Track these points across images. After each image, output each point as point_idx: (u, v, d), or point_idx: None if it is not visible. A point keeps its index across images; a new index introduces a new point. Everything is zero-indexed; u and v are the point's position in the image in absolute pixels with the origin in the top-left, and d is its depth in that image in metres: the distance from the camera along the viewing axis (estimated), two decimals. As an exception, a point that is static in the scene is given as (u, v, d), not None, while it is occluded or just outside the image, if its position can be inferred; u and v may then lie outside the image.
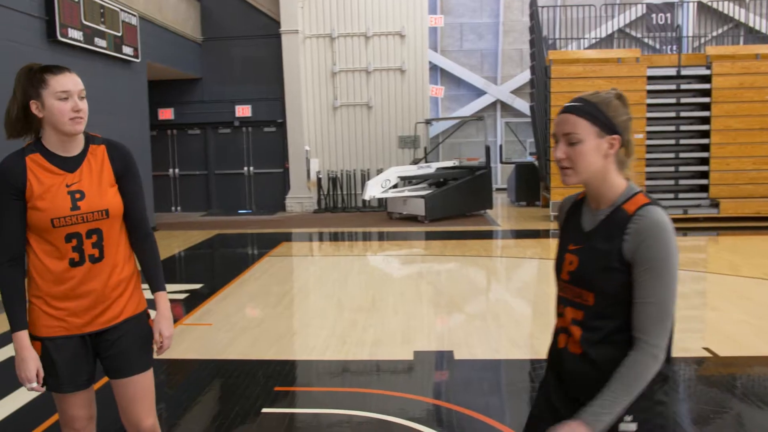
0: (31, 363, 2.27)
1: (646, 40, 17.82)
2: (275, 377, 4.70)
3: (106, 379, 2.49)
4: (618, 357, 1.70)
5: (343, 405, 4.17)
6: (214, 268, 9.88)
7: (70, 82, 2.24)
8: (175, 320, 6.35)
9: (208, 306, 6.88)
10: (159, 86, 15.03)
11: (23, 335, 2.28)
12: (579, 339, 1.79)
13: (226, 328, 5.98)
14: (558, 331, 1.89)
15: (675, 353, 1.78)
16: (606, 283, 1.74)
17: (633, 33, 18.87)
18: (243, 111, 15.92)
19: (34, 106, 2.24)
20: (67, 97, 2.22)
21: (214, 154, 16.30)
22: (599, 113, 1.75)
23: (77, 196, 2.27)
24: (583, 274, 1.79)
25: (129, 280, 2.42)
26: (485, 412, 3.98)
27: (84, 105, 2.27)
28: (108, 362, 2.41)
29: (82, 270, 2.30)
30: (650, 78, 12.61)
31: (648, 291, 1.67)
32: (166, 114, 15.92)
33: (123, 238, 2.42)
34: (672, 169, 12.82)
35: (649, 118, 12.53)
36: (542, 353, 5.24)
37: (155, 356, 2.49)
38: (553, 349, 1.92)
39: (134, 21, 11.66)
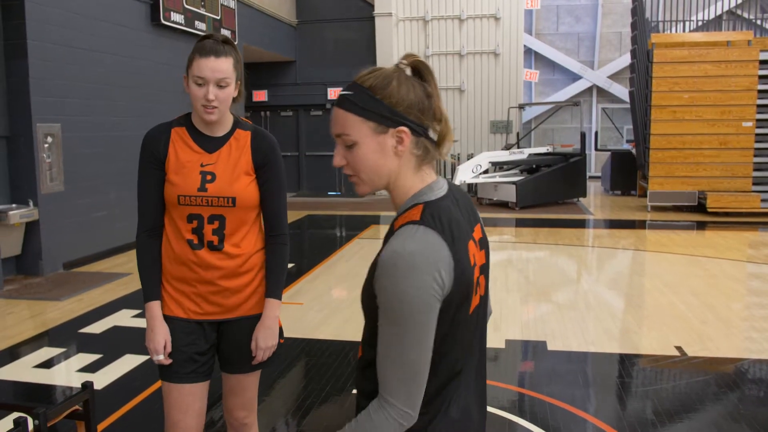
0: (160, 334, 2.23)
1: (759, 21, 16.76)
2: (365, 359, 4.70)
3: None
4: (371, 392, 1.35)
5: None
6: (303, 249, 10.02)
7: (207, 68, 2.13)
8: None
9: (299, 285, 6.99)
10: (254, 68, 15.36)
11: (154, 306, 2.25)
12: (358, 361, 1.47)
13: (317, 308, 6.05)
14: None
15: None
16: (367, 309, 1.38)
17: (744, 14, 17.80)
18: (335, 93, 16.01)
19: (185, 81, 2.21)
20: (202, 83, 2.14)
21: (306, 135, 16.52)
22: (373, 103, 1.33)
23: (208, 177, 2.20)
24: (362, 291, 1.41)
25: (254, 277, 2.31)
26: (586, 409, 3.85)
27: (221, 94, 2.15)
28: (219, 353, 2.36)
29: (199, 255, 2.22)
30: (763, 62, 11.84)
31: (382, 338, 1.29)
32: (260, 96, 16.25)
33: (254, 232, 2.31)
34: (784, 160, 12.06)
35: (760, 105, 11.80)
36: (640, 347, 5.06)
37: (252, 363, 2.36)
38: None
39: (232, 4, 11.93)
